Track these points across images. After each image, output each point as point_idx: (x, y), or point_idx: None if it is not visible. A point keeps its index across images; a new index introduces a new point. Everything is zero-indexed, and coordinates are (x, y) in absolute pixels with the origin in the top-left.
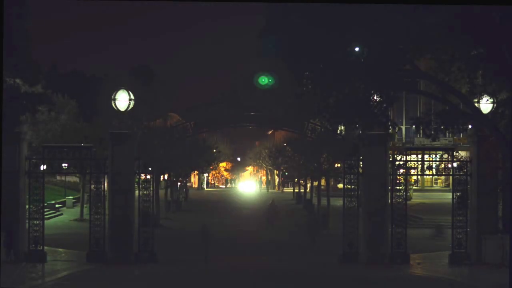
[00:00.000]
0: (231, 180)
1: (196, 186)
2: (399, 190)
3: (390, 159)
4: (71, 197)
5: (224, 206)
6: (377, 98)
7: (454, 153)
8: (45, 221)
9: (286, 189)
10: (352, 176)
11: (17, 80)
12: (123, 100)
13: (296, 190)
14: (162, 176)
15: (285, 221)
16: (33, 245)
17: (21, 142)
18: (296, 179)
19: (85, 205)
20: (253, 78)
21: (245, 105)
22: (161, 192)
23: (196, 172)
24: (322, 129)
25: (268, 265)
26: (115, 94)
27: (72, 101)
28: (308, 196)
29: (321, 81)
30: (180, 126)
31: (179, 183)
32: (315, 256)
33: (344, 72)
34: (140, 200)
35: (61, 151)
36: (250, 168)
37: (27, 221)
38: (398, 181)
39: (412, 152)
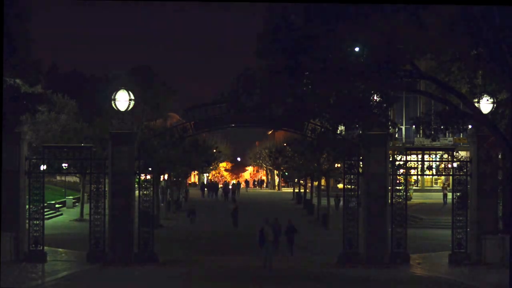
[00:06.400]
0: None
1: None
2: (399, 190)
3: (390, 159)
4: (71, 197)
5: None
6: (377, 98)
7: (454, 153)
8: (45, 221)
9: (284, 189)
10: (352, 176)
11: (17, 80)
12: (123, 100)
13: (296, 190)
14: (162, 176)
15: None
16: (33, 245)
17: (21, 142)
18: (296, 179)
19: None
20: None
21: (245, 105)
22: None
23: (196, 172)
24: (322, 129)
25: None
26: (115, 94)
27: (72, 101)
28: (308, 196)
29: (321, 81)
30: (180, 126)
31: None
32: (315, 256)
33: (344, 72)
34: (140, 200)
35: (61, 151)
36: (250, 168)
37: (27, 221)
38: (398, 181)
39: (412, 152)
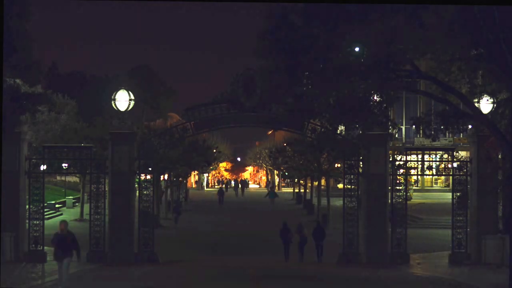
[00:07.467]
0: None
1: (195, 186)
2: (399, 190)
3: (390, 159)
4: (71, 197)
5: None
6: (377, 98)
7: (454, 153)
8: (45, 221)
9: (284, 189)
10: (352, 176)
11: (17, 80)
12: (123, 100)
13: (296, 190)
14: (162, 176)
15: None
16: (33, 245)
17: (21, 142)
18: (296, 179)
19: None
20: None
21: (245, 105)
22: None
23: (196, 172)
24: (322, 129)
25: (268, 264)
26: (115, 94)
27: (72, 101)
28: (308, 196)
29: (321, 81)
30: (180, 126)
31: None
32: (315, 256)
33: (344, 72)
34: (140, 200)
35: (61, 151)
36: (250, 168)
37: (27, 221)
38: (398, 181)
39: (412, 152)
